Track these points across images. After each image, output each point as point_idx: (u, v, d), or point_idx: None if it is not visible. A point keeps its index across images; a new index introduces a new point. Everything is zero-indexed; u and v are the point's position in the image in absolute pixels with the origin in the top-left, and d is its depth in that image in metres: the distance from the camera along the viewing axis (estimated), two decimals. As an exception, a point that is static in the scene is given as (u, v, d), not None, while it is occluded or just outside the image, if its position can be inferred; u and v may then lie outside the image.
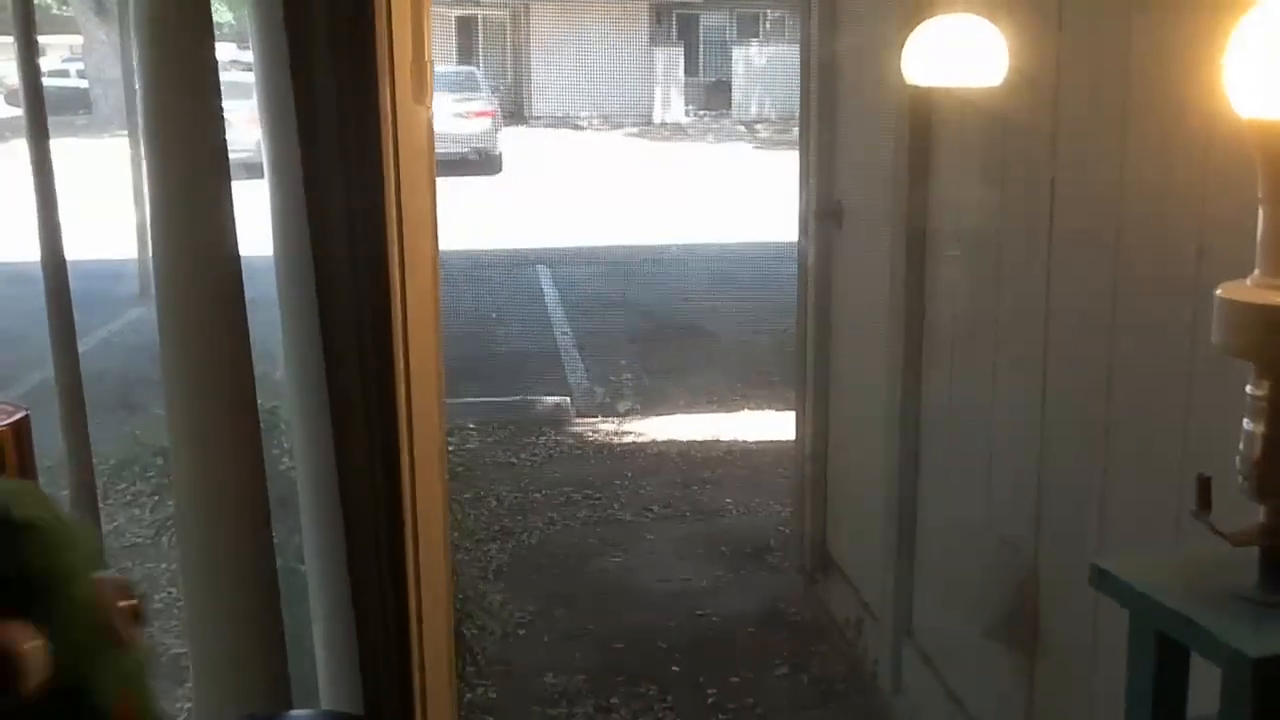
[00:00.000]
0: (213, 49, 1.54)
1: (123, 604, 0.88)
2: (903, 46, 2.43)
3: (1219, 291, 1.21)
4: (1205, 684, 1.23)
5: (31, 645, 0.79)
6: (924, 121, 3.39)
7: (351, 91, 1.44)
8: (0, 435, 0.86)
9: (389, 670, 1.47)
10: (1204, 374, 2.08)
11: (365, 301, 1.50)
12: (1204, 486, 1.24)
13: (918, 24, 2.43)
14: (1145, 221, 2.31)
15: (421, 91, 1.52)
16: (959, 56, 2.35)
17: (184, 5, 1.48)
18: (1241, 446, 1.24)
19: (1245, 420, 1.23)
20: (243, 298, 1.56)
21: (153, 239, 1.59)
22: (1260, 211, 1.22)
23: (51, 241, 1.65)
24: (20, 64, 1.76)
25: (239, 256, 1.57)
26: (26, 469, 0.90)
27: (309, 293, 1.52)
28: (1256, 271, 1.23)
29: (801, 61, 4.57)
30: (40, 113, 1.78)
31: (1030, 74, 2.49)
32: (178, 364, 1.60)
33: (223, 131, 1.53)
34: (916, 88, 2.76)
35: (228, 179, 1.54)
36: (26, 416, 0.88)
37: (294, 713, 1.46)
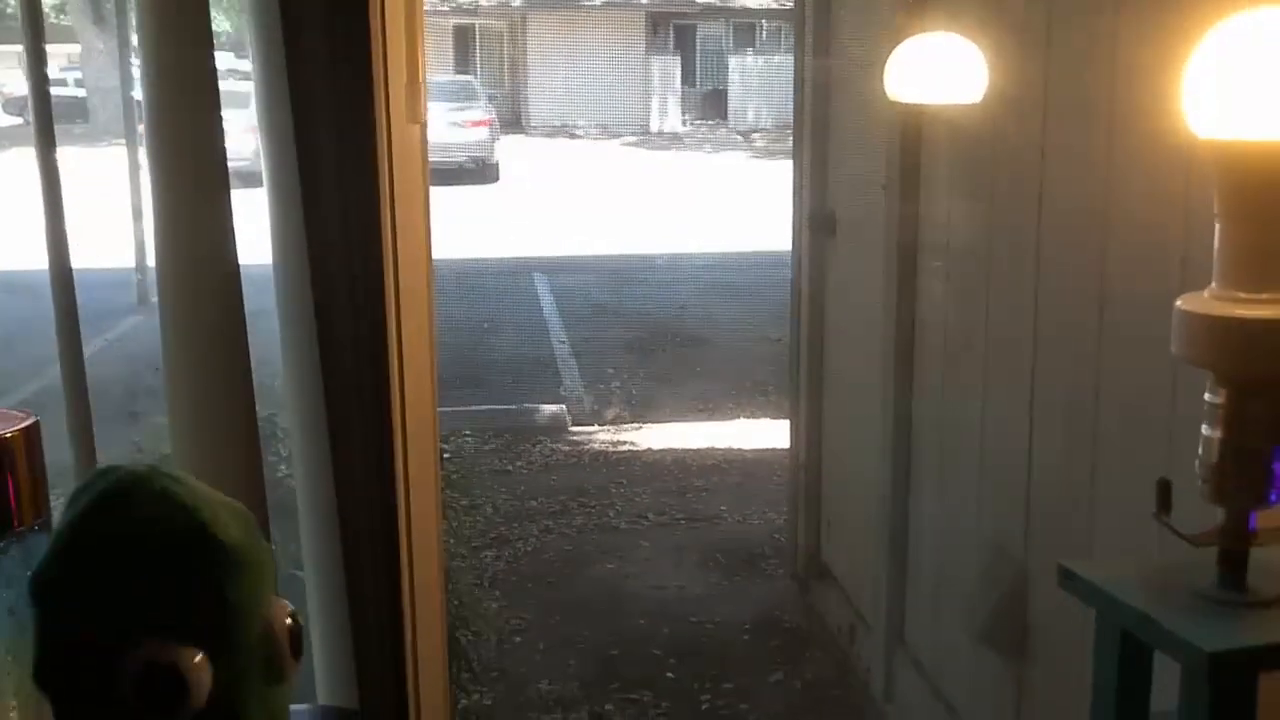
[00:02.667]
0: (212, 58, 1.57)
1: (287, 627, 0.89)
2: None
3: (1178, 303, 1.26)
4: (1169, 681, 1.27)
5: (200, 667, 0.81)
6: (914, 135, 3.42)
7: (349, 108, 1.47)
8: (11, 441, 0.86)
9: (384, 667, 1.50)
10: (1188, 383, 2.10)
11: (362, 311, 1.53)
12: (1164, 490, 1.29)
13: (907, 32, 2.47)
14: (1131, 233, 2.35)
15: (415, 110, 1.54)
16: (939, 74, 2.38)
17: (185, 15, 1.51)
18: (1200, 451, 1.29)
19: (1204, 426, 1.29)
20: (242, 306, 1.58)
21: (155, 247, 1.61)
22: (1216, 226, 1.26)
23: (58, 249, 1.68)
24: (28, 72, 1.79)
25: (238, 265, 1.59)
26: (37, 477, 0.91)
27: (306, 302, 1.55)
28: (1213, 284, 1.27)
29: (795, 73, 4.61)
30: (47, 120, 1.81)
31: (1015, 90, 2.52)
32: (179, 371, 1.62)
33: (222, 141, 1.55)
34: (907, 106, 2.79)
35: (227, 188, 1.56)
36: (37, 423, 0.89)
37: (291, 708, 1.48)
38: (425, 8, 1.68)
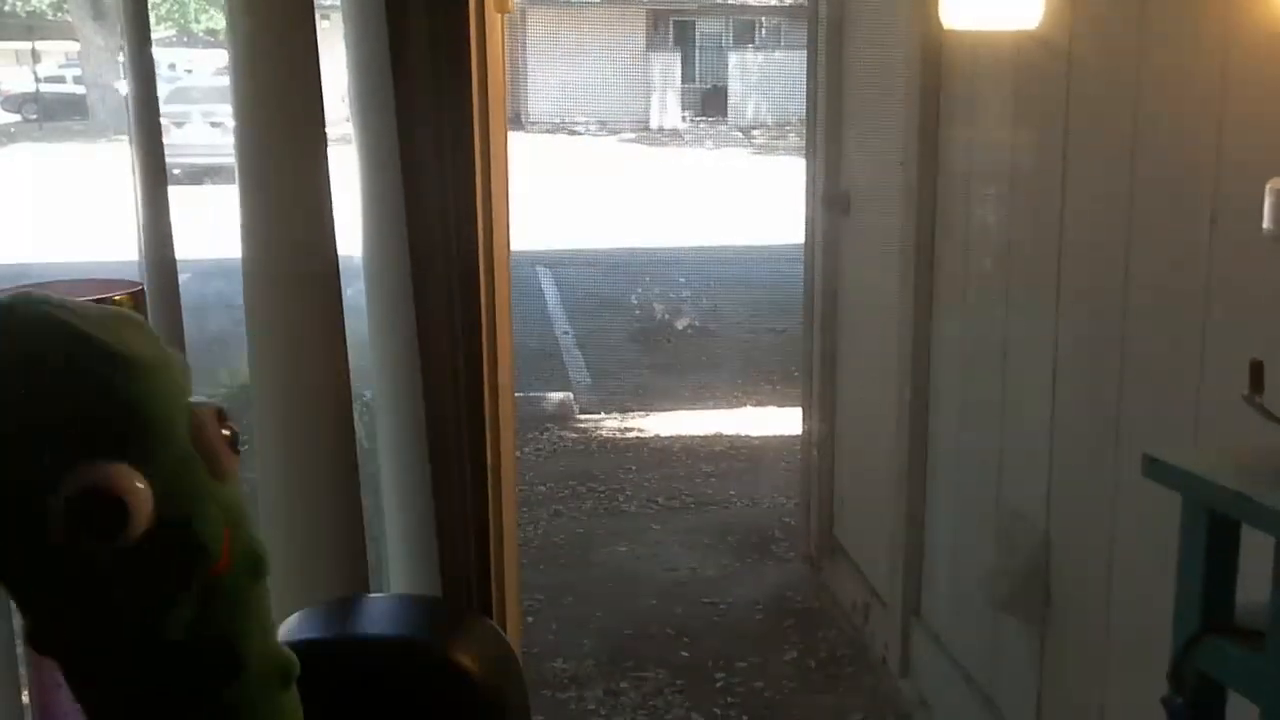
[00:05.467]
0: (314, 27, 1.54)
1: (223, 433, 0.85)
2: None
3: (1271, 184, 1.26)
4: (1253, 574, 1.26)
5: (137, 487, 0.77)
6: (933, 109, 3.41)
7: (451, 109, 1.47)
8: (121, 302, 0.86)
9: (465, 556, 1.50)
10: (1216, 344, 2.11)
11: (456, 301, 1.52)
12: (1257, 370, 1.28)
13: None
14: (1162, 137, 2.31)
15: (500, 109, 1.54)
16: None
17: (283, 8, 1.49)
18: None
19: None
20: (340, 290, 1.56)
21: (243, 236, 1.59)
22: None
23: (159, 243, 1.66)
24: (130, 69, 1.75)
25: (336, 250, 1.57)
26: None
27: (403, 259, 1.53)
28: None
29: (809, 51, 4.60)
30: (154, 115, 1.78)
31: (1046, 19, 2.50)
32: (268, 360, 1.59)
33: (322, 120, 1.53)
34: (926, 39, 2.74)
35: (326, 164, 1.54)
36: (142, 290, 0.89)
37: (371, 595, 1.47)
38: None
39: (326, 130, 1.52)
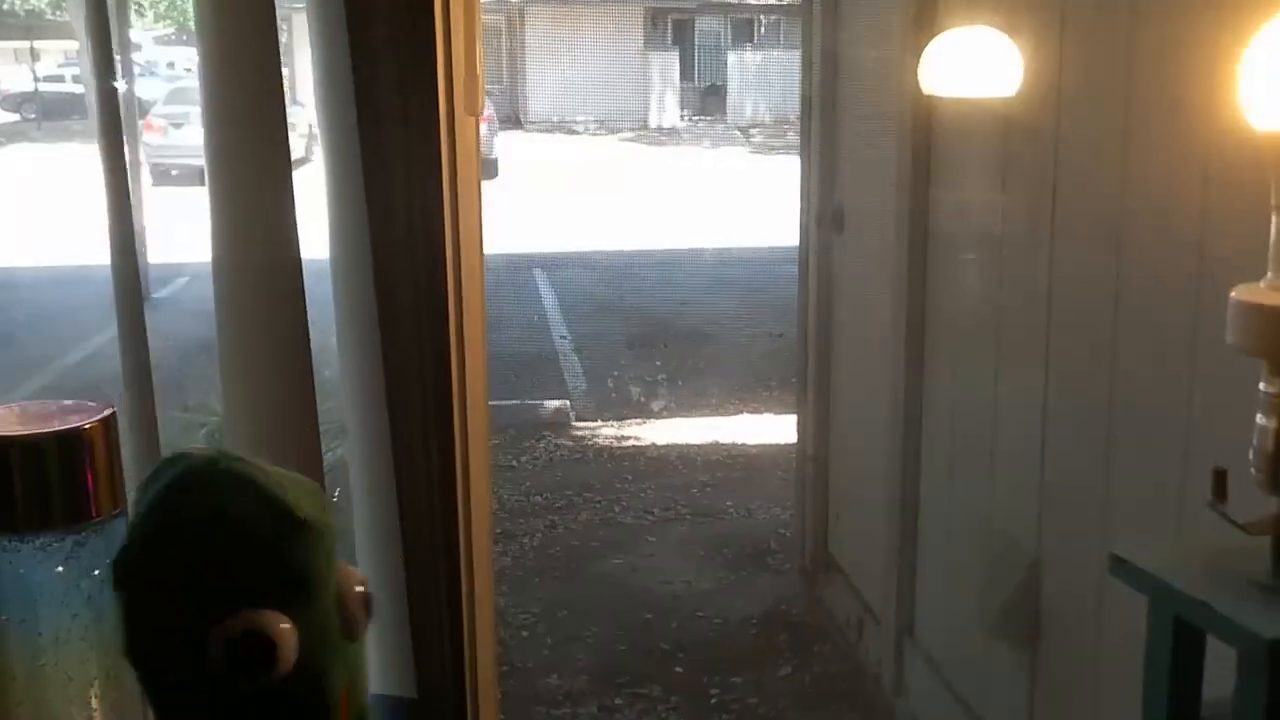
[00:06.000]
0: (276, 50, 1.56)
1: (359, 591, 0.94)
2: (911, 54, 2.47)
3: (1234, 294, 1.27)
4: (1220, 670, 1.28)
5: (286, 633, 0.84)
6: (925, 128, 3.41)
7: (415, 105, 1.47)
8: (91, 432, 0.87)
9: (441, 655, 1.50)
10: (1205, 370, 2.11)
11: (423, 312, 1.53)
12: (1220, 478, 1.29)
13: (921, 30, 2.47)
14: (1147, 222, 2.34)
15: (473, 102, 1.54)
16: (976, 68, 2.39)
17: (248, 9, 1.50)
18: (1255, 441, 1.29)
19: (1259, 416, 1.29)
20: (303, 296, 1.57)
21: (212, 241, 1.60)
22: (1274, 217, 1.26)
23: (123, 240, 1.66)
24: (93, 69, 1.77)
25: (300, 255, 1.59)
26: (114, 467, 0.93)
27: (369, 305, 1.54)
28: (1269, 274, 1.28)
29: (803, 66, 4.60)
30: (114, 116, 1.79)
31: (1036, 80, 2.52)
32: (235, 362, 1.61)
33: (285, 131, 1.55)
34: (919, 93, 2.78)
35: (290, 179, 1.55)
36: (114, 414, 0.91)
37: None
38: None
39: (289, 134, 1.54)
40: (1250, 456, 1.28)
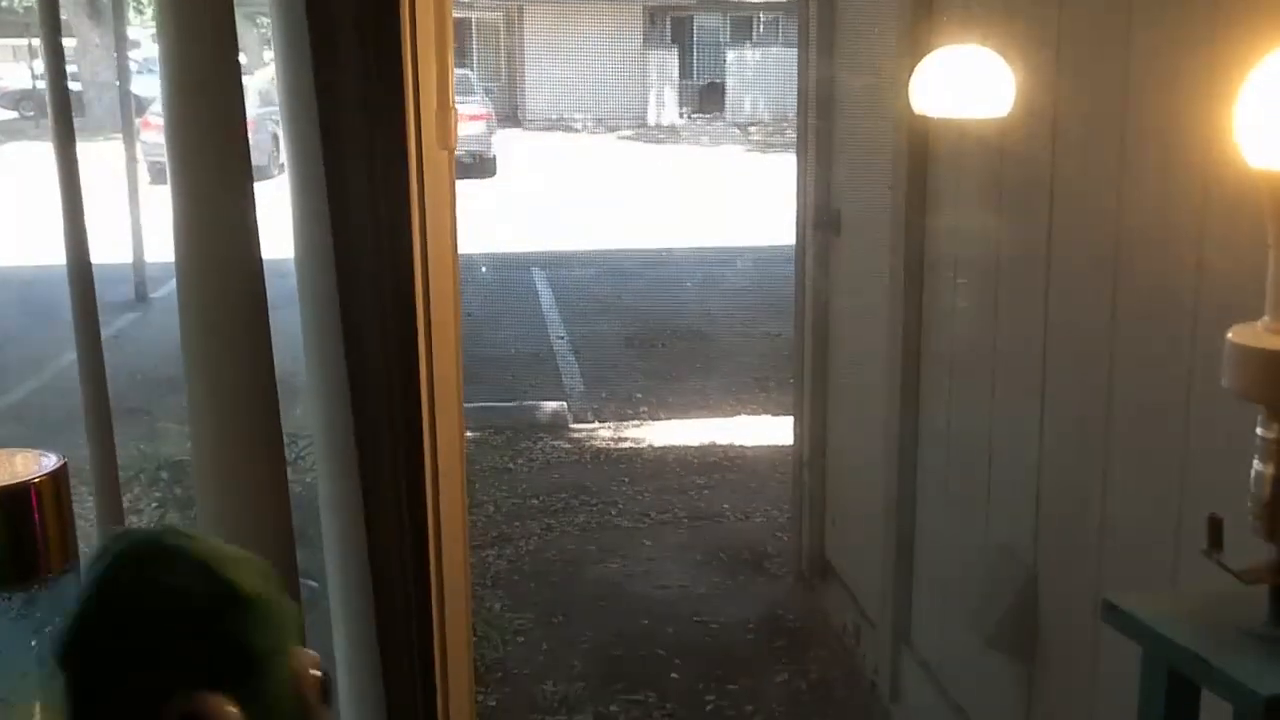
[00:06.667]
0: (236, 53, 1.55)
1: (314, 677, 0.91)
2: (905, 70, 2.44)
3: (1230, 335, 1.23)
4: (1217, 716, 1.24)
5: (232, 715, 0.83)
6: (922, 139, 3.39)
7: (379, 135, 1.46)
8: (40, 486, 0.85)
9: (411, 682, 1.48)
10: (1202, 392, 2.09)
11: (391, 331, 1.52)
12: (1215, 527, 1.25)
13: (917, 40, 2.44)
14: (1144, 247, 2.32)
15: (446, 136, 1.53)
16: (967, 88, 2.36)
17: (207, 11, 1.49)
18: (1252, 487, 1.25)
19: (1255, 461, 1.25)
20: (265, 303, 1.57)
21: (175, 245, 1.60)
22: (1270, 257, 1.23)
23: (77, 245, 1.66)
24: (46, 66, 1.77)
25: (261, 263, 1.57)
26: (65, 521, 0.90)
27: (335, 325, 1.53)
28: (1266, 317, 1.24)
29: (799, 69, 4.58)
30: (66, 114, 1.79)
31: (1031, 103, 2.49)
32: (201, 372, 1.60)
33: (245, 136, 1.54)
34: (914, 115, 2.75)
35: (250, 183, 1.54)
36: (64, 466, 0.88)
37: None
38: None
39: (248, 137, 1.53)
40: (1248, 504, 1.25)
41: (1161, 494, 2.22)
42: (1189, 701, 1.26)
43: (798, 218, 4.60)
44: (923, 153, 3.38)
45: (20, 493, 0.85)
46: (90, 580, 0.86)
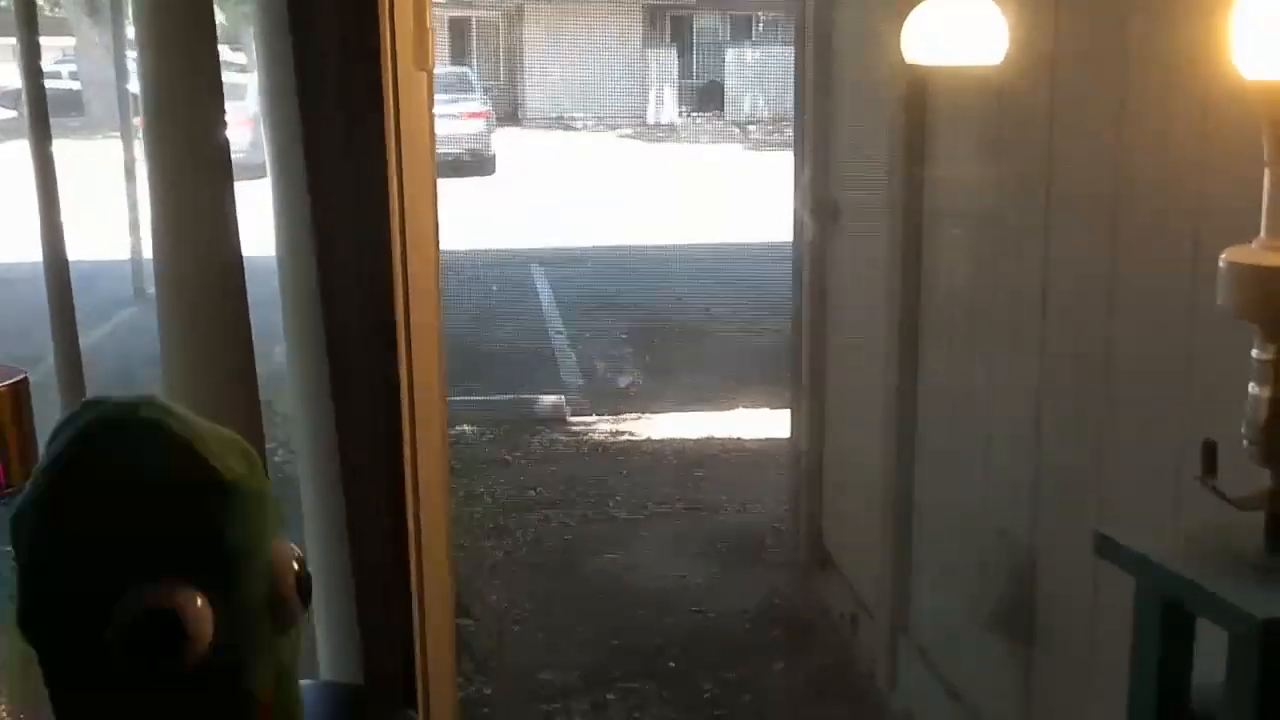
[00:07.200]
0: (215, 46, 1.54)
1: (294, 574, 0.83)
2: (901, 29, 2.42)
3: (1224, 255, 1.21)
4: (1210, 654, 1.23)
5: (200, 613, 0.75)
6: (919, 116, 3.38)
7: (355, 57, 1.44)
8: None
9: (389, 642, 1.46)
10: (1203, 359, 2.08)
11: (369, 295, 1.50)
12: (1209, 452, 1.23)
13: (914, 8, 2.43)
14: (1143, 199, 2.30)
15: (423, 57, 1.51)
16: (959, 35, 2.34)
17: (186, 4, 1.48)
18: (1248, 410, 1.23)
19: (1251, 384, 1.23)
20: (245, 298, 1.55)
21: (153, 241, 1.59)
22: (1266, 174, 1.21)
23: (53, 241, 1.65)
24: (22, 65, 1.77)
25: (240, 254, 1.56)
26: (26, 434, 0.86)
27: (312, 287, 1.52)
28: (1262, 234, 1.22)
29: (796, 58, 4.57)
30: (43, 113, 1.80)
31: (1027, 50, 2.47)
32: (178, 362, 1.59)
33: (224, 130, 1.53)
34: (913, 74, 2.74)
35: (230, 178, 1.53)
36: (25, 379, 0.85)
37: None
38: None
39: (229, 139, 1.52)
40: (1243, 429, 1.22)
41: (1159, 467, 2.21)
42: (1184, 633, 1.24)
43: (795, 205, 4.60)
44: (920, 109, 3.36)
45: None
46: (51, 451, 0.76)
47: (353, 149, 1.47)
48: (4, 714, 1.00)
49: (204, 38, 1.50)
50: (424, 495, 1.52)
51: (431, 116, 1.60)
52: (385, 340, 1.56)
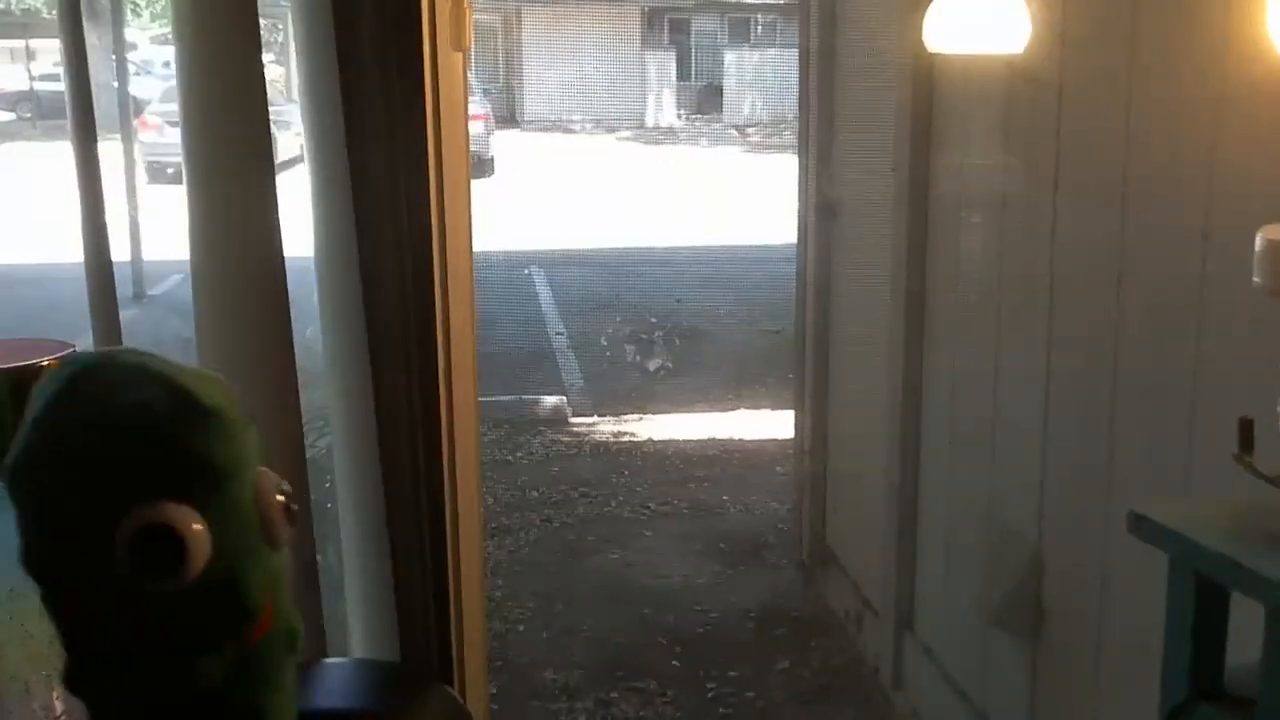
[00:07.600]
0: (259, 47, 1.53)
1: (280, 499, 0.87)
2: (908, 20, 2.41)
3: (1262, 233, 1.21)
4: (1243, 636, 1.22)
5: (197, 529, 0.78)
6: (925, 113, 3.37)
7: (394, 39, 1.43)
8: (51, 368, 0.84)
9: (425, 620, 1.46)
10: (1212, 354, 2.07)
11: (409, 261, 1.49)
12: (1246, 429, 1.23)
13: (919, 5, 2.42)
14: (1153, 186, 2.29)
15: (460, 36, 1.51)
16: (982, 23, 2.34)
17: (228, 4, 1.47)
18: None
19: None
20: (286, 295, 1.54)
21: (190, 239, 1.58)
22: None
23: (98, 244, 1.64)
24: (66, 70, 1.76)
25: (282, 251, 1.56)
26: None
27: (352, 264, 1.51)
28: None
29: (800, 55, 4.57)
30: (89, 117, 1.79)
31: (1040, 37, 2.46)
32: (217, 356, 1.58)
33: (268, 127, 1.52)
34: (919, 65, 2.72)
35: (272, 176, 1.52)
36: (73, 350, 0.87)
37: (326, 662, 1.44)
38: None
39: (273, 136, 1.51)
40: (1278, 407, 1.21)
41: (1168, 462, 2.21)
42: (1218, 609, 1.23)
43: (799, 204, 4.59)
44: (926, 120, 3.36)
45: (30, 374, 0.84)
46: (41, 397, 0.81)
47: (395, 132, 1.46)
48: None
49: (247, 37, 1.49)
50: (460, 480, 1.52)
51: (467, 98, 1.60)
52: (423, 323, 1.55)
